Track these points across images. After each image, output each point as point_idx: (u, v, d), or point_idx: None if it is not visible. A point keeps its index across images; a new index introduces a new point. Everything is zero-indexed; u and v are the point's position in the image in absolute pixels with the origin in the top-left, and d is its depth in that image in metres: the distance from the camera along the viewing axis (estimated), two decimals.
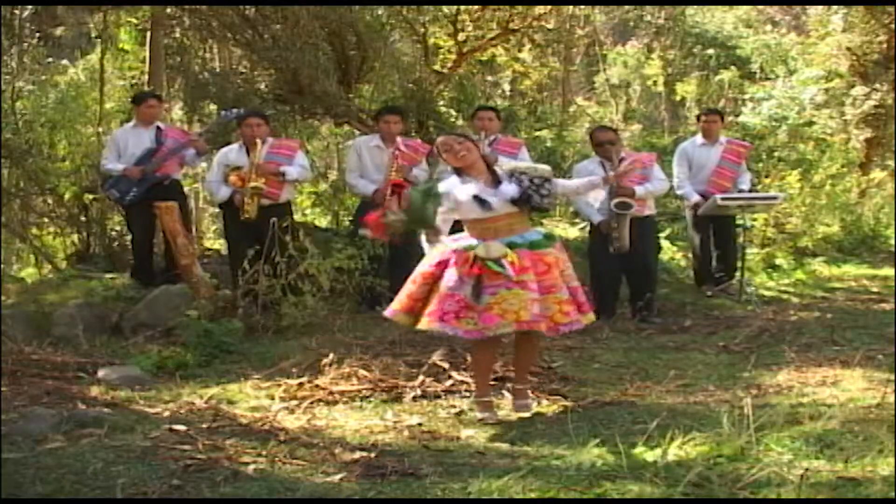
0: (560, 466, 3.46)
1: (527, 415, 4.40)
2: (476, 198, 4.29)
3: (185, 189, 10.65)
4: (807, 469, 3.26)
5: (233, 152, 7.05)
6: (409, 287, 4.41)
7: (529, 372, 4.96)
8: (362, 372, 4.99)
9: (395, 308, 4.46)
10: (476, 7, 9.62)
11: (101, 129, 9.25)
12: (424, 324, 4.31)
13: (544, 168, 4.49)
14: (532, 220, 4.62)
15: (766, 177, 10.67)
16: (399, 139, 7.21)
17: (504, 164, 4.59)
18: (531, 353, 4.65)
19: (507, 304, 4.15)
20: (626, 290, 7.28)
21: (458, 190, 4.36)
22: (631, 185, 6.86)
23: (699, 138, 8.19)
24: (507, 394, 4.65)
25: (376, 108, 7.94)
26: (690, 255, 8.67)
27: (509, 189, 4.32)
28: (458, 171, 4.42)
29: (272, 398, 4.71)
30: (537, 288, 4.22)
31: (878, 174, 13.59)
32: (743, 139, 10.56)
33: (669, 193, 8.66)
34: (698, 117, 8.53)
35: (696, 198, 7.90)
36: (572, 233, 9.76)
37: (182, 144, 7.32)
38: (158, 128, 7.39)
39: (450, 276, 4.26)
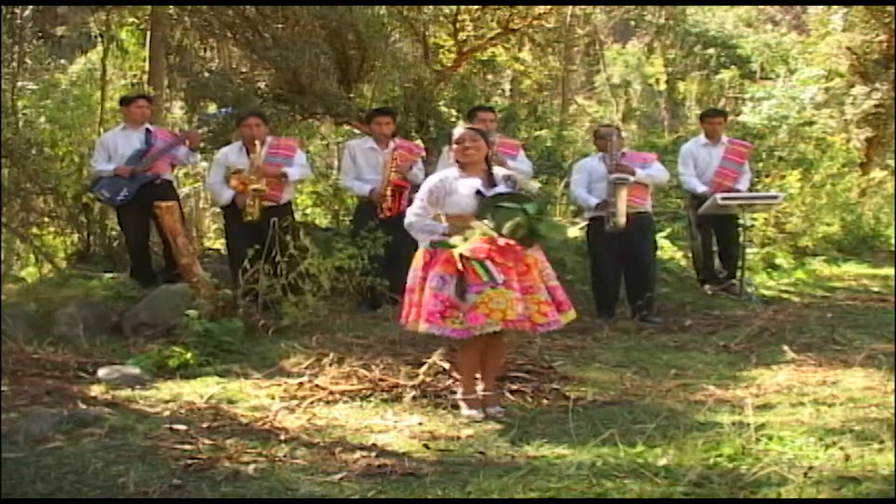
0: (560, 466, 3.46)
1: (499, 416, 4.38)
2: (478, 192, 4.33)
3: (187, 189, 10.70)
4: (808, 468, 3.26)
5: (233, 153, 7.06)
6: (413, 296, 4.43)
7: (529, 372, 4.98)
8: (362, 371, 5.00)
9: (410, 318, 4.45)
10: (476, 6, 9.61)
11: (102, 129, 9.24)
12: (412, 325, 4.38)
13: (532, 186, 4.53)
14: None
15: (767, 176, 10.68)
16: (392, 141, 7.21)
17: (500, 170, 4.61)
18: (499, 357, 4.60)
19: (494, 303, 4.16)
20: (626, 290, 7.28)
21: (459, 183, 4.41)
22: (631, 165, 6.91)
23: (702, 138, 8.20)
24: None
25: (374, 108, 7.94)
26: (690, 255, 8.66)
27: (504, 189, 4.37)
28: (459, 166, 4.47)
29: (272, 398, 4.70)
30: (519, 288, 4.23)
31: (878, 174, 13.62)
32: (743, 139, 10.58)
33: (670, 193, 8.67)
34: (701, 118, 8.52)
35: (703, 188, 7.90)
36: (572, 232, 9.76)
37: (171, 144, 7.33)
38: (148, 129, 7.39)
39: (432, 277, 4.29)
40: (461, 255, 4.20)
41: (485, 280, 4.16)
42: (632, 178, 6.82)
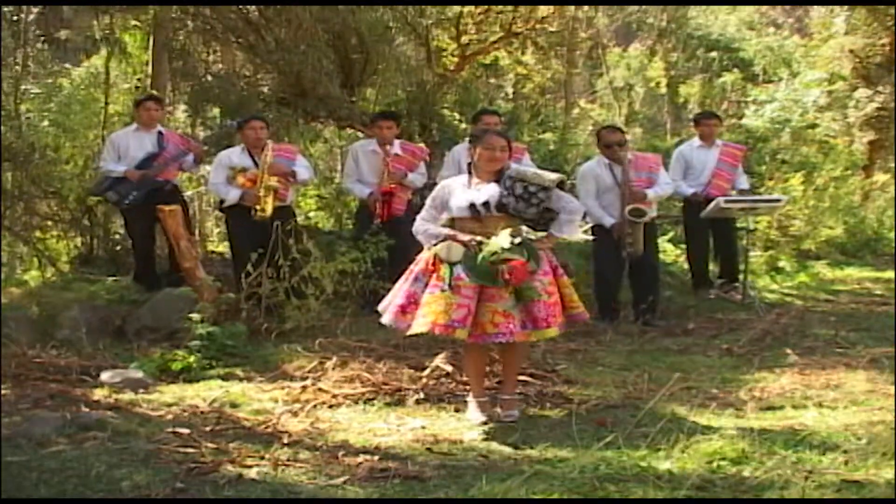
0: (563, 469, 3.46)
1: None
2: (472, 205, 4.35)
3: (189, 192, 10.71)
4: (810, 471, 3.26)
5: (235, 155, 7.06)
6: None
7: (532, 376, 4.97)
8: (365, 375, 5.00)
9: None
10: (479, 10, 9.63)
11: (105, 133, 9.25)
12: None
13: (550, 177, 4.39)
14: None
15: (770, 179, 10.67)
16: (397, 143, 7.24)
17: (513, 172, 4.48)
18: (515, 361, 4.57)
19: (436, 305, 4.18)
20: (629, 293, 7.27)
21: (457, 191, 4.42)
22: (640, 188, 6.87)
23: (696, 141, 8.22)
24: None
25: (378, 111, 7.96)
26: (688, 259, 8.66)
27: (489, 191, 4.34)
28: (470, 170, 4.47)
29: (275, 401, 4.71)
30: (473, 295, 4.18)
31: (881, 177, 13.61)
32: (745, 142, 10.58)
33: (673, 197, 8.67)
34: (695, 121, 8.57)
35: (690, 190, 7.92)
36: (577, 236, 9.73)
37: (182, 151, 7.34)
38: (160, 132, 7.40)
39: (414, 273, 4.39)
40: (435, 255, 4.28)
41: (443, 284, 4.19)
42: (648, 215, 6.85)
